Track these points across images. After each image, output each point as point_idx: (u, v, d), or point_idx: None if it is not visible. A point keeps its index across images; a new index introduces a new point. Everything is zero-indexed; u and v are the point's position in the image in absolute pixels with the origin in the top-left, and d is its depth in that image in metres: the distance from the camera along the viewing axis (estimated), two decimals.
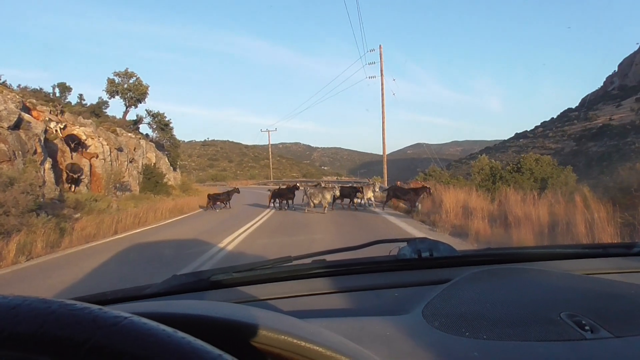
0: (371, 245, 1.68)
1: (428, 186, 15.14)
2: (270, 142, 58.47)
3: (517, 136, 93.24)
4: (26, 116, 15.33)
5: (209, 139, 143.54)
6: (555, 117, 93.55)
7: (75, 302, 0.40)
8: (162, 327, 0.40)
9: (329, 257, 1.57)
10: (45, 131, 16.03)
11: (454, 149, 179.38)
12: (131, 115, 29.48)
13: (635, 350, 0.84)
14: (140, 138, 26.45)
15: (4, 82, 18.76)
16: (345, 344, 0.62)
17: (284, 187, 18.43)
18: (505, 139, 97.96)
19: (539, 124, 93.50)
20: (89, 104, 26.72)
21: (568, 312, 0.99)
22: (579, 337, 0.89)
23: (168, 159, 29.80)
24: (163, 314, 0.64)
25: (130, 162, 22.97)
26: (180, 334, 0.40)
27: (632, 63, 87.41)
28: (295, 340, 0.56)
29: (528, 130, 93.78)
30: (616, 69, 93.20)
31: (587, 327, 0.92)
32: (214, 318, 0.61)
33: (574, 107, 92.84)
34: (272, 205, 17.50)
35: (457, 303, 1.12)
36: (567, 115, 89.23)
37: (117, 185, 19.90)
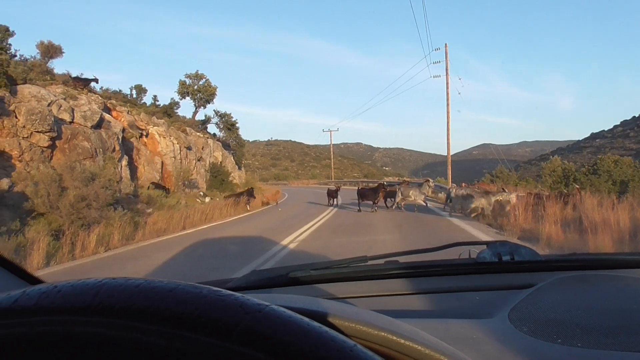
0: (449, 247, 1.65)
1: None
2: (332, 142, 58.81)
3: (593, 136, 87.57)
4: (107, 116, 16.44)
5: (272, 139, 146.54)
6: (637, 115, 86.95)
7: (220, 289, 0.42)
8: (300, 316, 0.42)
9: (403, 258, 1.57)
10: (123, 130, 17.10)
11: (523, 149, 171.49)
12: (200, 116, 30.74)
13: None
14: (207, 137, 27.53)
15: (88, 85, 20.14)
16: (441, 344, 0.62)
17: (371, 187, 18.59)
18: (580, 139, 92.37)
19: (619, 122, 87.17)
20: (162, 105, 28.16)
21: None
22: None
23: (233, 158, 30.74)
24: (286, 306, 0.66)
25: (198, 160, 23.95)
26: (316, 323, 0.41)
27: None
28: (395, 337, 0.55)
29: (606, 129, 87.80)
30: None
31: None
32: (314, 311, 0.61)
33: None
34: (331, 203, 18.14)
35: (544, 308, 1.08)
36: None
37: (186, 182, 20.81)
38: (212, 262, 6.94)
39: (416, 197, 14.81)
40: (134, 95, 27.23)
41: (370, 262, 1.56)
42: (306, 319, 0.41)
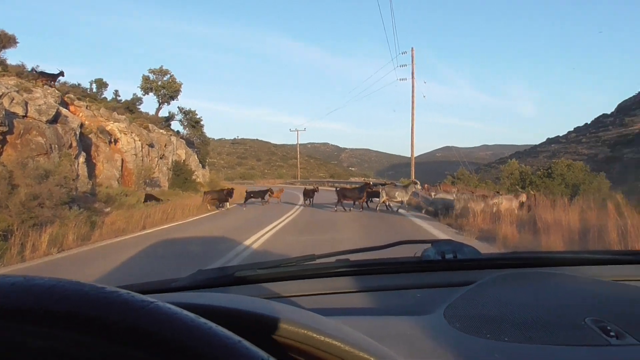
0: (395, 245, 1.68)
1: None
2: (299, 142, 58.83)
3: (549, 141, 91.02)
4: (64, 110, 15.83)
5: (239, 138, 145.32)
6: (589, 122, 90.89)
7: (105, 285, 0.41)
8: (186, 312, 0.41)
9: (353, 257, 1.57)
10: (81, 125, 16.50)
11: (484, 152, 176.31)
12: (164, 112, 30.17)
13: None
14: (171, 135, 26.98)
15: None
16: (365, 341, 0.63)
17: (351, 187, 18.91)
18: (537, 143, 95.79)
19: (572, 129, 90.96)
20: (123, 100, 27.41)
21: (593, 318, 0.97)
22: (604, 343, 0.87)
23: (197, 156, 30.28)
24: (187, 303, 0.64)
25: (161, 158, 23.43)
26: (203, 319, 0.41)
27: None
28: (315, 335, 0.56)
29: (560, 135, 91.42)
30: None
31: (612, 333, 0.90)
32: (236, 310, 0.62)
33: (609, 112, 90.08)
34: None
35: (479, 305, 1.11)
36: (601, 121, 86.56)
37: (147, 180, 20.32)
38: (172, 262, 6.78)
39: (402, 197, 14.77)
40: (94, 90, 26.37)
41: (319, 261, 1.57)
42: (192, 316, 0.41)
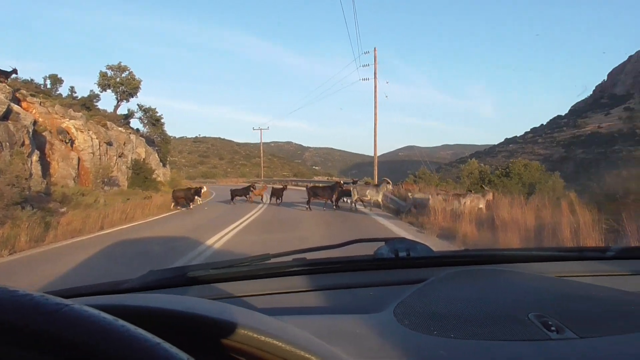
0: (350, 244, 1.69)
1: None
2: (262, 141, 58.44)
3: (507, 141, 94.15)
4: (15, 107, 15.15)
5: (201, 136, 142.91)
6: (544, 123, 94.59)
7: (18, 288, 0.40)
8: (103, 315, 0.40)
9: (308, 255, 1.57)
10: (35, 123, 15.85)
11: (445, 152, 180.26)
12: (122, 110, 29.34)
13: (597, 351, 0.86)
14: (130, 133, 26.28)
15: None
16: (308, 340, 0.63)
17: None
18: (495, 143, 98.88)
19: (529, 129, 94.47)
20: (80, 97, 26.48)
21: (536, 313, 1.00)
22: (544, 337, 0.90)
23: (158, 155, 29.64)
24: (129, 306, 0.64)
25: (120, 156, 22.80)
26: (121, 322, 0.40)
27: (621, 72, 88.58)
28: (255, 335, 0.56)
29: (518, 135, 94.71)
30: (606, 78, 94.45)
31: (553, 328, 0.93)
32: (179, 312, 0.62)
33: (563, 114, 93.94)
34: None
35: (429, 302, 1.12)
36: (556, 122, 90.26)
37: (105, 179, 19.73)
38: (130, 263, 6.62)
39: (373, 196, 14.68)
40: (48, 86, 25.37)
41: (273, 260, 1.56)
42: (109, 318, 0.40)
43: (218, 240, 8.56)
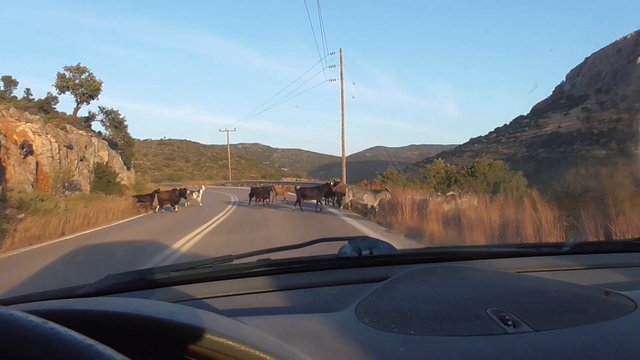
0: (313, 243, 1.69)
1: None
2: (229, 142, 57.90)
3: (472, 141, 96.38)
4: None
5: (166, 138, 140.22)
6: (508, 123, 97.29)
7: None
8: (31, 318, 0.39)
9: (272, 256, 1.56)
10: None
11: (412, 152, 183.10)
12: (83, 112, 28.55)
13: (551, 343, 0.88)
14: (92, 136, 25.51)
15: None
16: (264, 339, 0.63)
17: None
18: (461, 143, 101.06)
19: (493, 130, 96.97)
20: (36, 99, 25.54)
21: (494, 308, 1.02)
22: (501, 332, 0.92)
23: (122, 158, 28.91)
24: (73, 310, 0.62)
25: (81, 160, 22.10)
26: (51, 324, 0.39)
27: (579, 74, 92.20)
28: (209, 336, 0.56)
29: (483, 135, 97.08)
30: (564, 79, 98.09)
31: (510, 322, 0.94)
32: (128, 314, 0.60)
33: (525, 114, 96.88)
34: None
35: (390, 300, 1.13)
36: (519, 122, 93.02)
37: (66, 184, 19.08)
38: (93, 269, 6.40)
39: (370, 201, 14.14)
40: (2, 88, 24.37)
41: (236, 261, 1.55)
42: (37, 321, 0.39)
43: (185, 244, 8.39)
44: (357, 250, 1.55)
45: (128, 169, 30.28)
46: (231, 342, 0.55)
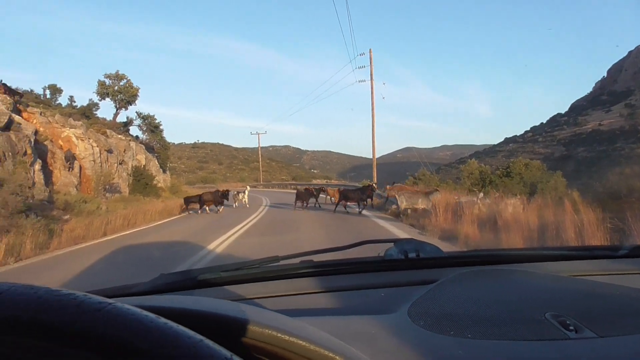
0: (358, 245, 1.69)
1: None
2: (260, 145, 58.48)
3: (507, 141, 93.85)
4: (17, 117, 15.28)
5: (199, 142, 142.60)
6: (544, 122, 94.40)
7: (61, 289, 0.41)
8: (145, 312, 0.41)
9: (316, 257, 1.59)
10: (36, 132, 15.97)
11: (444, 153, 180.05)
12: (121, 117, 29.44)
13: (618, 349, 0.86)
14: (130, 140, 26.38)
15: None
16: (330, 340, 0.62)
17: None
18: (495, 143, 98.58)
19: (529, 128, 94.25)
20: (79, 106, 26.61)
21: (553, 313, 0.99)
22: (563, 337, 0.89)
23: (158, 161, 29.70)
24: (149, 306, 0.62)
25: (120, 163, 22.89)
26: (163, 319, 0.41)
27: (621, 69, 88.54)
28: (280, 335, 0.55)
29: (517, 135, 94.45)
30: (605, 75, 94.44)
31: (571, 327, 0.92)
32: (199, 311, 0.61)
33: (563, 112, 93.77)
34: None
35: (442, 303, 1.13)
36: (556, 120, 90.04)
37: (107, 187, 19.83)
38: (133, 269, 6.70)
39: (424, 204, 13.69)
40: (48, 96, 25.52)
41: (282, 262, 1.58)
42: (152, 316, 0.40)
43: (220, 244, 8.62)
44: (403, 253, 1.55)
45: (164, 171, 31.09)
46: (301, 341, 0.55)
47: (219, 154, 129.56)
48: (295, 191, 19.79)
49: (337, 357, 0.55)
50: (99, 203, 16.20)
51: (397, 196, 14.17)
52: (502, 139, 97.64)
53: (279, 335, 0.56)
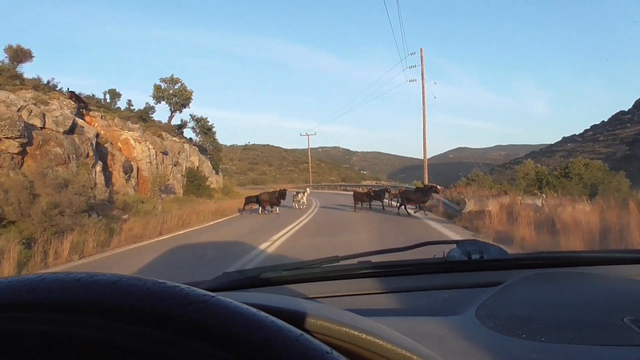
0: (419, 246, 1.67)
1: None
2: (310, 146, 58.84)
3: (565, 140, 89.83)
4: (79, 121, 16.13)
5: (250, 143, 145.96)
6: (606, 120, 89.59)
7: (166, 281, 0.43)
8: (247, 306, 0.42)
9: (375, 258, 1.57)
10: (97, 135, 16.79)
11: (498, 153, 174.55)
12: (176, 120, 30.41)
13: None
14: (184, 142, 27.24)
15: (60, 90, 19.79)
16: (404, 339, 0.62)
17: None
18: (552, 143, 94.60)
19: (589, 127, 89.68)
20: (136, 109, 27.77)
21: (632, 317, 0.95)
22: None
23: (210, 163, 30.50)
24: (263, 305, 0.63)
25: (175, 165, 23.67)
26: (263, 313, 0.42)
27: None
28: (355, 332, 0.55)
29: (576, 134, 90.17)
30: None
31: None
32: (276, 307, 0.61)
33: (626, 109, 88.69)
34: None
35: (511, 305, 1.10)
36: (619, 118, 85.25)
37: (162, 187, 20.54)
38: (188, 267, 6.87)
39: (493, 206, 12.61)
40: (108, 100, 26.79)
41: (341, 262, 1.57)
42: (253, 310, 0.41)
43: (271, 244, 8.71)
44: (467, 254, 1.52)
45: (216, 173, 31.90)
46: (378, 340, 0.55)
47: (269, 155, 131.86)
48: (351, 192, 19.61)
49: (414, 357, 0.54)
50: (154, 203, 16.81)
51: (465, 198, 13.57)
52: (560, 138, 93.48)
53: (356, 333, 0.55)
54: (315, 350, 0.39)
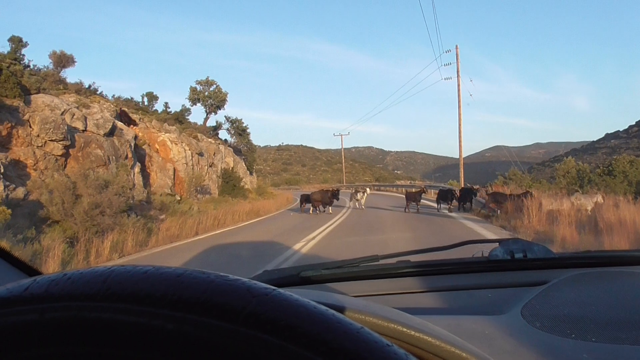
0: (461, 245, 1.65)
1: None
2: (343, 146, 58.76)
3: (608, 137, 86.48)
4: (119, 124, 16.60)
5: (283, 144, 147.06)
6: None
7: (229, 275, 0.43)
8: (307, 300, 0.42)
9: (415, 257, 1.56)
10: (135, 137, 17.25)
11: (536, 151, 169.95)
12: (211, 122, 30.94)
13: None
14: (219, 143, 27.68)
15: (100, 93, 20.46)
16: (453, 337, 0.62)
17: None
18: (594, 140, 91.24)
19: (634, 122, 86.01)
20: (173, 112, 28.40)
21: None
22: None
23: (245, 164, 30.88)
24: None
25: (210, 166, 24.08)
26: (323, 307, 0.41)
27: None
28: (405, 329, 0.56)
29: (621, 130, 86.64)
30: None
31: None
32: (325, 303, 0.60)
33: None
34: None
35: (558, 305, 1.08)
36: None
37: (198, 188, 20.92)
38: (224, 266, 6.97)
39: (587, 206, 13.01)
40: (145, 103, 27.51)
41: (382, 261, 1.56)
42: (313, 303, 0.41)
43: (305, 245, 8.74)
44: (509, 253, 1.49)
45: (250, 173, 32.29)
46: (427, 337, 0.55)
47: (303, 155, 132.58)
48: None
49: (463, 354, 0.54)
50: (191, 204, 17.13)
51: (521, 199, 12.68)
52: (603, 135, 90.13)
53: (406, 330, 0.56)
54: (377, 342, 0.39)
